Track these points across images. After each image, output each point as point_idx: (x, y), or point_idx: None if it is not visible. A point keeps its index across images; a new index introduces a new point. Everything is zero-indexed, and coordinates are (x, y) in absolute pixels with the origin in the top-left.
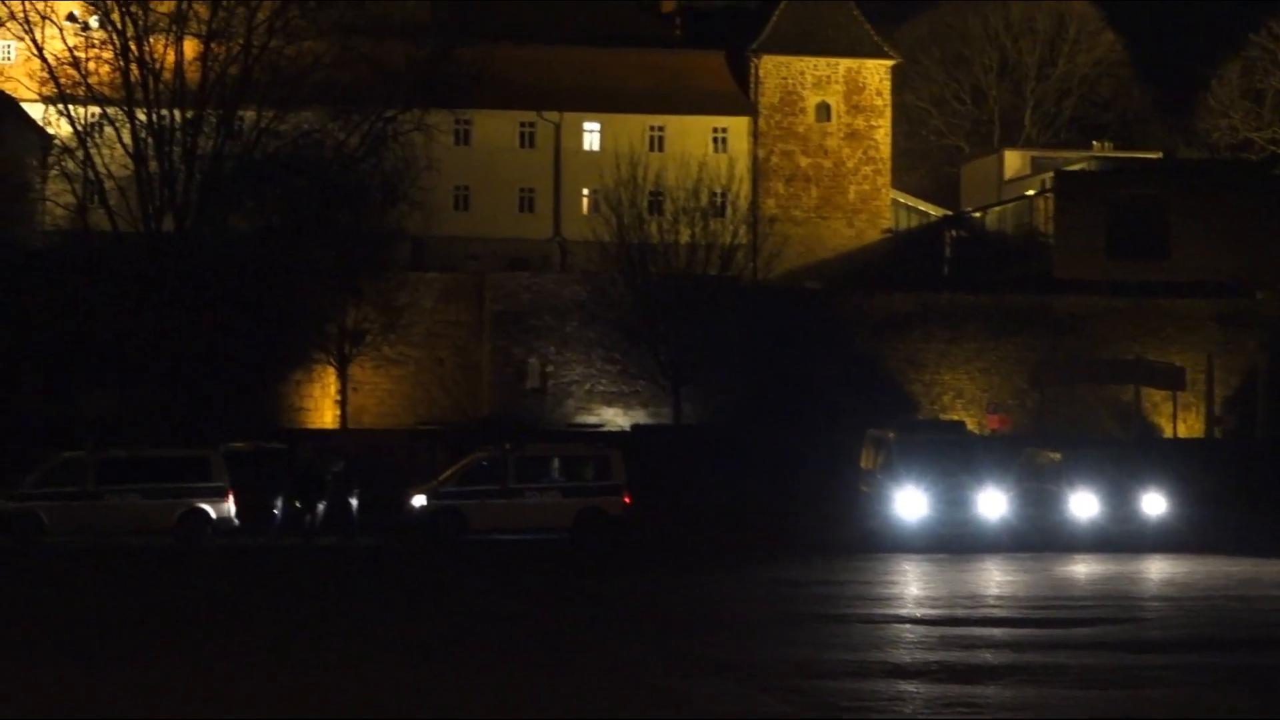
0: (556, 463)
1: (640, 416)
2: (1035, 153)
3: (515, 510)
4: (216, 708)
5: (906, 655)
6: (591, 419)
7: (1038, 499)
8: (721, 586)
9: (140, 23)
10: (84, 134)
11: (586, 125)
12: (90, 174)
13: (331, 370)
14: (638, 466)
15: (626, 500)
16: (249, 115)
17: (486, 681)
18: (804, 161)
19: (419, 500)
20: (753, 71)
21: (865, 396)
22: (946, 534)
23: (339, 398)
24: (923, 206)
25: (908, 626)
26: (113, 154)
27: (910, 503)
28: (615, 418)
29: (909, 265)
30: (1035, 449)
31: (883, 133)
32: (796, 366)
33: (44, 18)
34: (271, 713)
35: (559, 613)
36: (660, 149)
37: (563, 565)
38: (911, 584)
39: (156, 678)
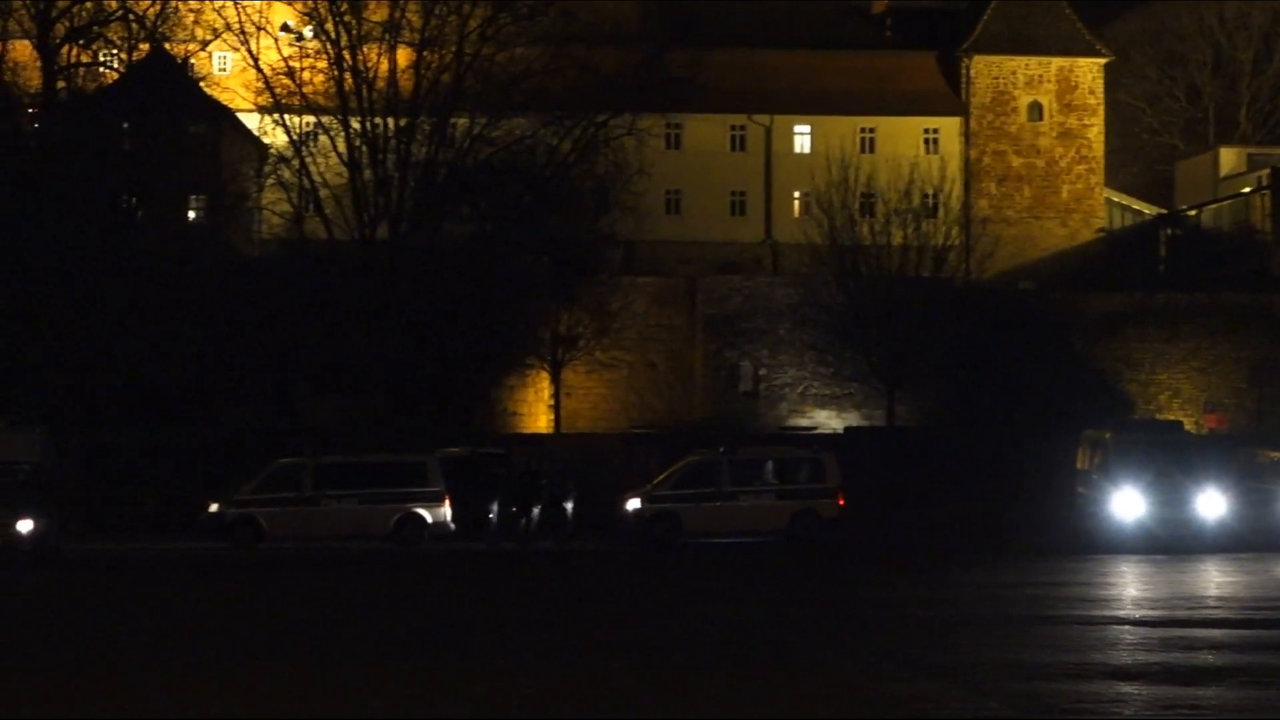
0: (770, 465)
1: (853, 419)
2: (1251, 149)
3: (729, 513)
4: (431, 708)
5: (1126, 657)
6: (804, 422)
7: (1258, 499)
8: (937, 588)
9: (354, 32)
10: (299, 143)
11: (797, 128)
12: (306, 183)
13: (545, 375)
14: (851, 469)
15: (841, 502)
16: (462, 122)
17: (702, 684)
18: (1016, 161)
19: (633, 504)
20: (964, 72)
21: (1079, 397)
22: (1164, 535)
23: (553, 402)
24: (1137, 205)
25: (1126, 628)
26: (328, 162)
27: (1127, 503)
28: (828, 420)
29: (1123, 265)
30: (1255, 448)
31: (1095, 131)
32: (1010, 367)
33: (259, 28)
34: (495, 714)
35: (774, 616)
36: (871, 150)
37: (777, 568)
38: (1129, 585)
39: (378, 680)
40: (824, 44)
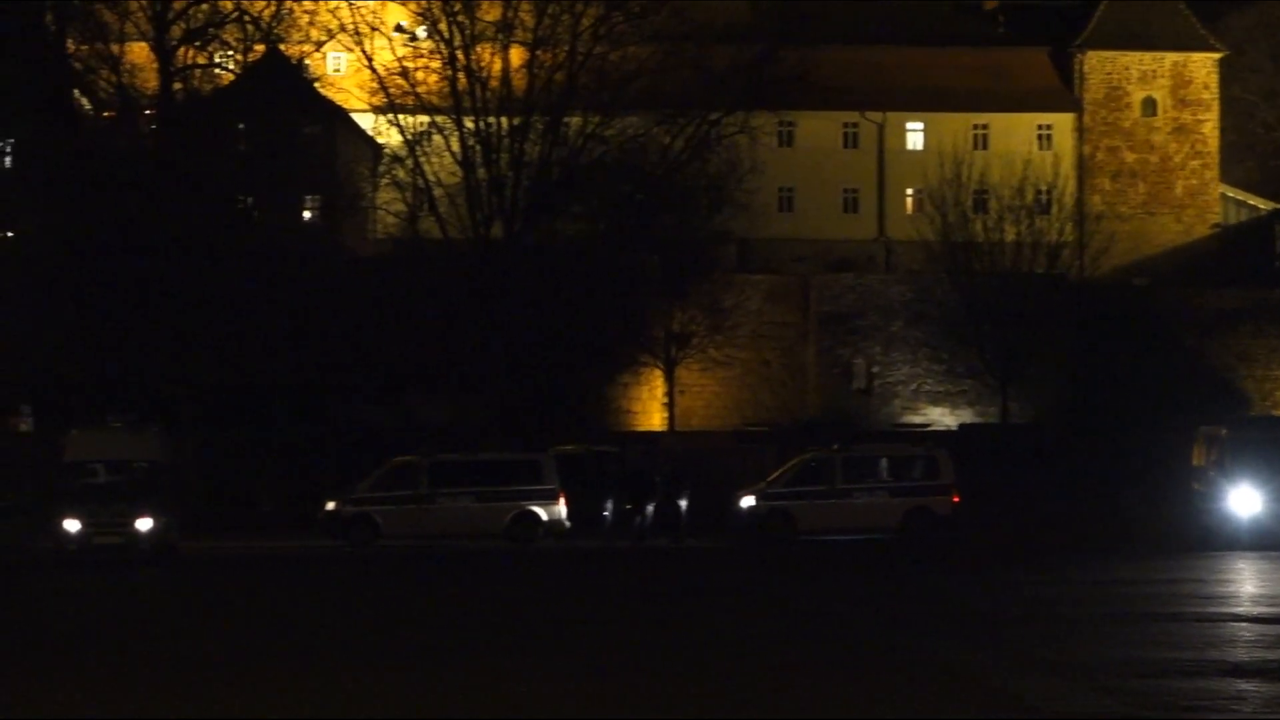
0: (884, 463)
1: (967, 416)
2: None
3: (843, 510)
4: (543, 707)
5: (1244, 654)
6: (918, 419)
7: None
8: (1052, 585)
9: (467, 32)
10: (413, 143)
11: (910, 125)
12: (420, 182)
13: (659, 373)
14: (965, 466)
15: (955, 500)
16: (575, 121)
17: (817, 681)
18: (1130, 157)
19: (747, 501)
20: (1077, 68)
21: (1194, 393)
22: None
23: (666, 400)
24: (1252, 200)
25: (1244, 625)
26: (441, 162)
27: (1244, 500)
28: (942, 417)
29: (1239, 260)
30: None
31: (1210, 126)
32: (1124, 364)
33: (373, 29)
34: (604, 713)
35: (888, 613)
36: (984, 147)
37: (891, 565)
38: (1246, 582)
39: (489, 679)
40: (937, 40)
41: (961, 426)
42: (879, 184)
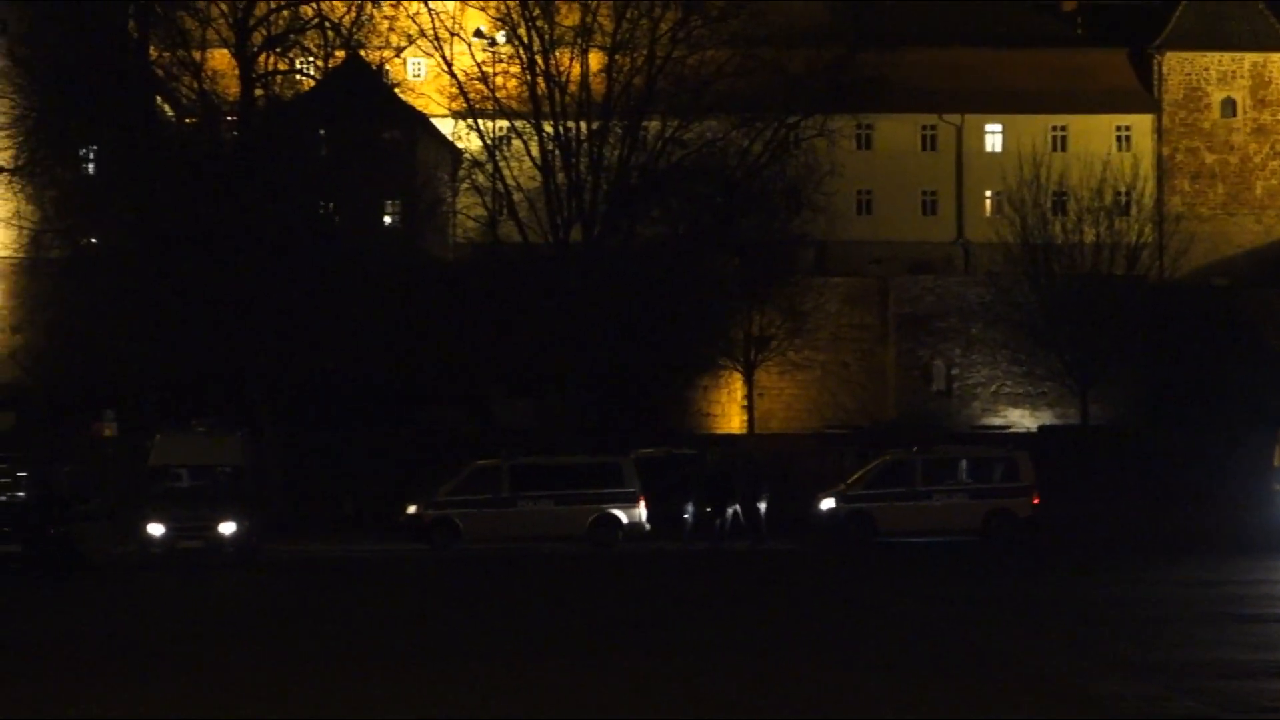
0: (964, 465)
1: (1047, 417)
2: None
3: (923, 513)
4: (628, 709)
5: None
6: (997, 421)
7: None
8: (1132, 587)
9: (546, 37)
10: (493, 148)
11: (988, 127)
12: (499, 187)
13: (738, 376)
14: (1045, 468)
15: (1035, 501)
16: (653, 125)
17: (897, 683)
18: (1209, 158)
19: (827, 503)
20: (1155, 69)
21: (1276, 394)
22: None
23: (746, 403)
24: None
25: None
26: (521, 166)
27: None
28: (1021, 419)
29: None
30: None
31: None
32: (1204, 365)
33: (453, 34)
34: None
35: (970, 615)
36: (1063, 149)
37: (972, 567)
38: None
39: (569, 680)
40: (1015, 42)
41: (1041, 428)
42: (957, 186)
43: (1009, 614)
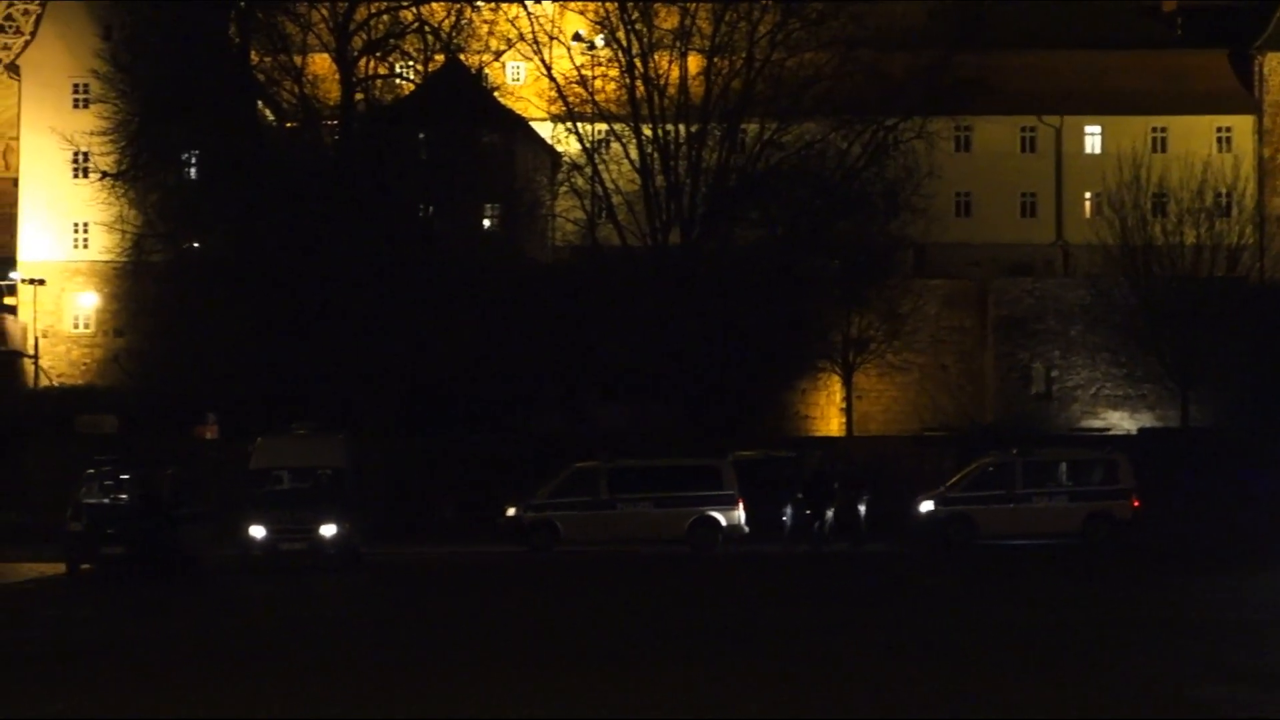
0: (1064, 467)
1: (1147, 420)
2: None
3: (1023, 515)
4: (722, 710)
5: None
6: (1097, 423)
7: None
8: (1234, 591)
9: (645, 40)
10: (592, 151)
11: (1088, 128)
12: (598, 190)
13: (836, 378)
14: (1146, 470)
15: (1135, 504)
16: (752, 128)
17: (995, 685)
18: None
19: (927, 506)
20: (1256, 70)
21: None
22: None
23: (844, 405)
24: None
25: None
26: (619, 169)
27: None
28: (1121, 422)
29: None
30: None
31: None
32: None
33: (552, 38)
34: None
35: (1068, 617)
36: (1163, 150)
37: (1071, 570)
38: None
39: (667, 679)
40: (1114, 44)
41: (1141, 431)
42: (1057, 188)
43: (1109, 617)
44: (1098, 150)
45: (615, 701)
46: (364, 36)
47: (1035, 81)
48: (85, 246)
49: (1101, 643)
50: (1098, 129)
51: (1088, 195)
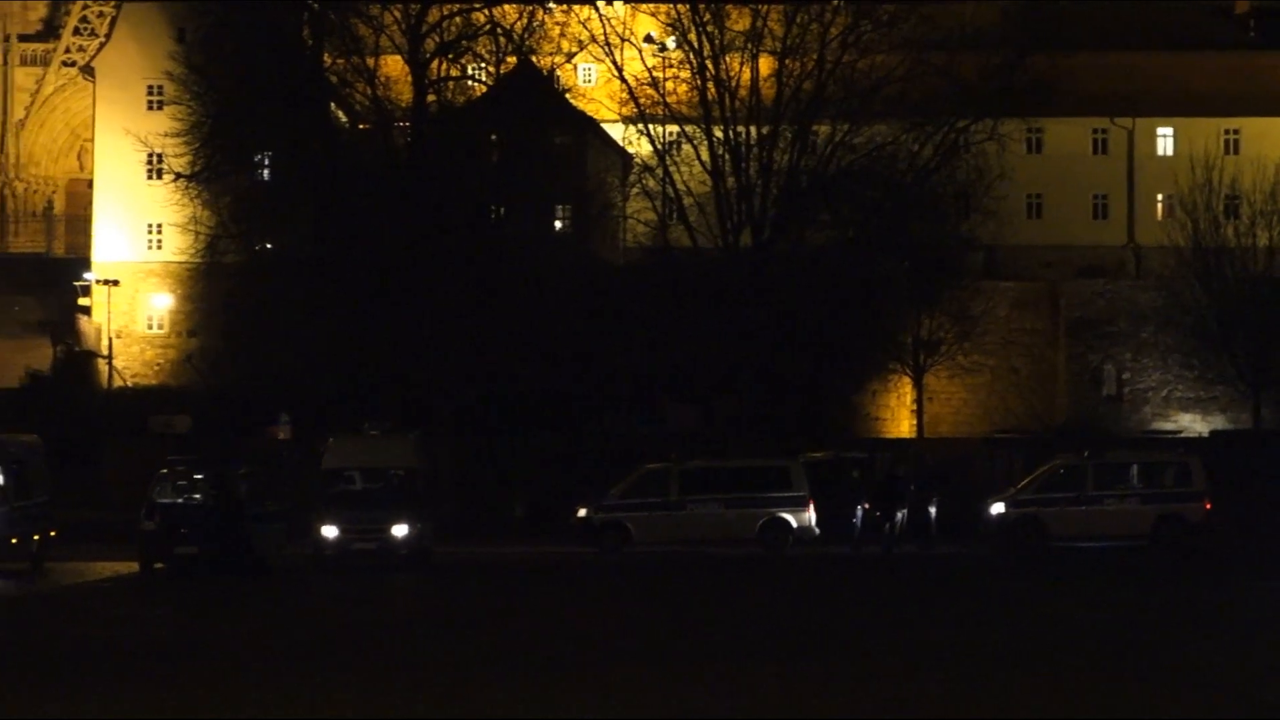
0: (1135, 469)
1: (1219, 422)
2: None
3: (1094, 517)
4: (796, 709)
5: None
6: (1169, 425)
7: None
8: None
9: (716, 42)
10: (663, 152)
11: (1160, 130)
12: (669, 191)
13: (907, 380)
14: (1218, 473)
15: (1207, 507)
16: (823, 129)
17: (1064, 684)
18: None
19: (997, 508)
20: None
21: None
22: None
23: (915, 407)
24: None
25: None
26: (691, 171)
27: None
28: (1193, 424)
29: None
30: None
31: None
32: None
33: (623, 40)
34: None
35: (1138, 619)
36: (1235, 152)
37: (1143, 572)
38: None
39: (739, 680)
40: (1187, 45)
41: (1213, 433)
42: (1129, 189)
43: (1179, 620)
44: (1170, 152)
45: (684, 702)
46: (436, 38)
47: (1107, 83)
48: (159, 247)
49: (1172, 645)
50: (1170, 131)
51: (1160, 197)
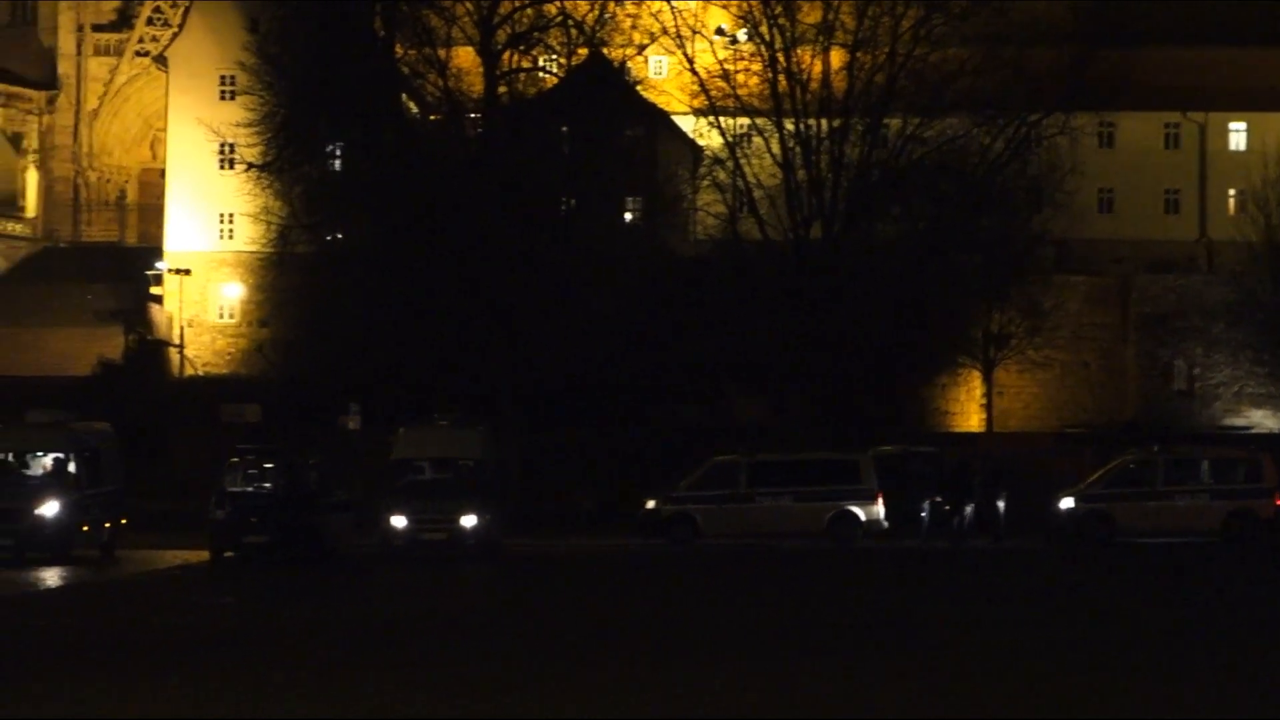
0: (1205, 465)
1: None
2: None
3: (1163, 513)
4: (853, 705)
5: None
6: (1239, 421)
7: None
8: None
9: (788, 34)
10: (733, 145)
11: (1233, 125)
12: (740, 184)
13: (977, 374)
14: None
15: (1278, 503)
16: (894, 123)
17: (1136, 684)
18: None
19: (1067, 503)
20: None
21: None
22: None
23: (984, 401)
24: None
25: None
26: (761, 164)
27: None
28: (1264, 420)
29: None
30: None
31: None
32: None
33: (695, 32)
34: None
35: (1208, 616)
36: None
37: (1213, 569)
38: None
39: (802, 675)
40: (1260, 39)
41: None
42: (1200, 184)
43: (1249, 616)
44: (1242, 147)
45: (754, 698)
46: (508, 30)
47: (1179, 78)
48: (231, 237)
49: (1243, 642)
50: (1242, 126)
51: (1231, 192)
